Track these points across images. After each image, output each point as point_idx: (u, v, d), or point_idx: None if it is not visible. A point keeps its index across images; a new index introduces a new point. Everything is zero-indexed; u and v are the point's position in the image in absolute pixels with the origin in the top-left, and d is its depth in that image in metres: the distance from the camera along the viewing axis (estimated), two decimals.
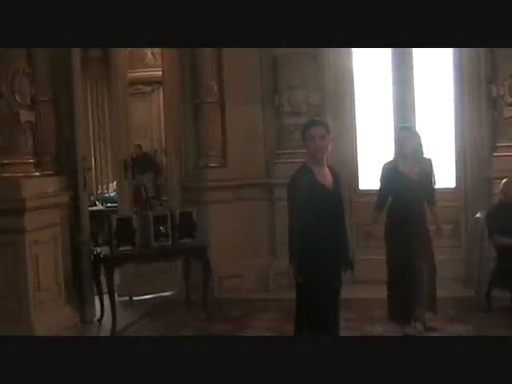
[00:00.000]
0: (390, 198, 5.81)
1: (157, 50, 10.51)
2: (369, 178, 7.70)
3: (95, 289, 6.70)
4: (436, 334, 5.68)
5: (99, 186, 12.06)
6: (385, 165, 5.90)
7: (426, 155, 5.97)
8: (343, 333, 4.59)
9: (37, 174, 5.78)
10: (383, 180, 5.84)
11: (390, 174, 5.75)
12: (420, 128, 7.76)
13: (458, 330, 5.90)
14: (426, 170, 5.84)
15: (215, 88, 7.65)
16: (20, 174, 5.49)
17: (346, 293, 4.72)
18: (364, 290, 7.03)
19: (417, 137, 5.88)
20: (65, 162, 6.57)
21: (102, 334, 6.24)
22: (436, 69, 7.84)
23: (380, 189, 5.88)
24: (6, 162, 5.48)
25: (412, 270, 5.64)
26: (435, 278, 5.89)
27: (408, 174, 5.71)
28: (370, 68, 7.97)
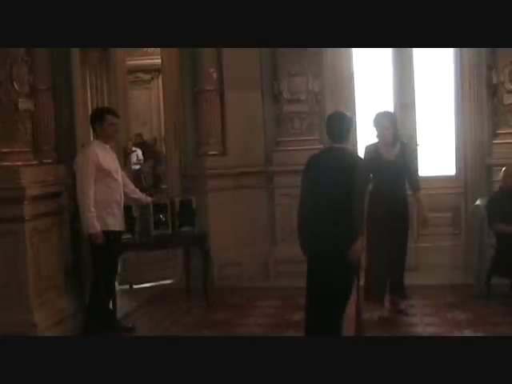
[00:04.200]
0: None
1: None
2: None
3: None
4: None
5: None
6: (367, 147, 6.05)
7: (402, 139, 6.17)
8: None
9: (36, 162, 5.77)
10: (365, 161, 5.88)
11: (371, 155, 5.89)
12: (420, 113, 7.79)
13: (458, 317, 5.92)
14: (402, 154, 5.96)
15: (214, 75, 7.63)
16: (19, 163, 5.47)
17: None
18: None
19: (394, 121, 6.01)
20: (64, 151, 6.56)
21: None
22: (436, 55, 7.81)
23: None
24: (4, 150, 5.45)
25: (381, 251, 5.78)
26: (403, 263, 6.02)
27: (386, 156, 5.89)
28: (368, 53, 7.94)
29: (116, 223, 5.73)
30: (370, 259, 5.86)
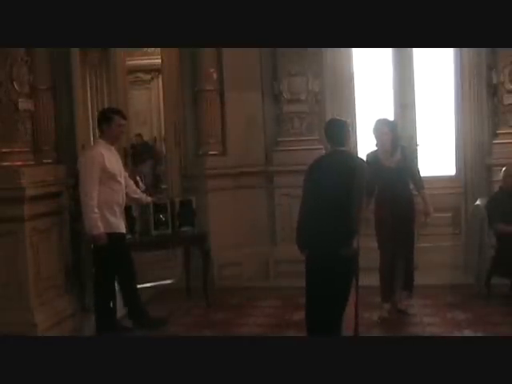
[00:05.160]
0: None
1: None
2: None
3: None
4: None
5: None
6: (368, 154, 6.06)
7: (402, 143, 6.18)
8: None
9: (36, 162, 5.77)
10: (368, 169, 5.94)
11: (372, 162, 5.88)
12: (420, 113, 7.78)
13: (458, 317, 5.92)
14: (403, 158, 5.98)
15: (214, 75, 7.63)
16: (19, 163, 5.48)
17: None
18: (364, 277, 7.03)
19: (394, 129, 6.02)
20: (64, 151, 6.56)
21: None
22: (436, 55, 7.81)
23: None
24: (4, 150, 5.45)
25: (386, 253, 5.90)
26: (411, 262, 6.07)
27: (386, 163, 5.92)
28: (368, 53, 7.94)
29: (119, 225, 5.74)
30: (379, 262, 5.96)
